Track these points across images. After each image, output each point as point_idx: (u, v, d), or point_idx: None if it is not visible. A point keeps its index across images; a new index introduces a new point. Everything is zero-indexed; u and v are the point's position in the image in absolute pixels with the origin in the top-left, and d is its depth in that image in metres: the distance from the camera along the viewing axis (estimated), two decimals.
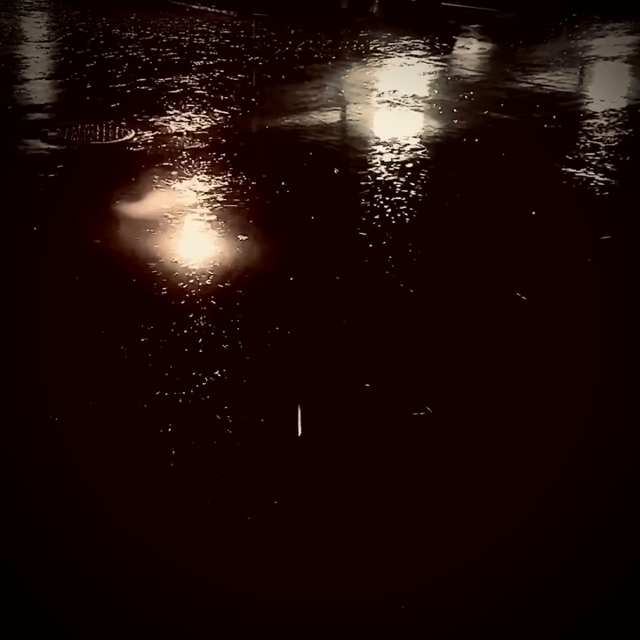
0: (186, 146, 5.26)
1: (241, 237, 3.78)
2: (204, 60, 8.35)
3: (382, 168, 4.77)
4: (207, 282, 3.33)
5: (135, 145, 5.27)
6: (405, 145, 5.23)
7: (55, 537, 2.01)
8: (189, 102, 6.47)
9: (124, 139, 5.41)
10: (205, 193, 4.39)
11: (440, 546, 1.98)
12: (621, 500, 2.14)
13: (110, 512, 2.09)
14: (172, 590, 1.85)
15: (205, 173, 4.71)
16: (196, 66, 8.06)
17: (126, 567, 1.92)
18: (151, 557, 1.94)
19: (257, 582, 1.87)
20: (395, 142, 5.30)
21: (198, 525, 2.05)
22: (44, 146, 5.22)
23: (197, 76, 7.53)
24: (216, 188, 4.46)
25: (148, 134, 5.51)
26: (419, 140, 5.38)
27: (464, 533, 2.02)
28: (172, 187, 4.49)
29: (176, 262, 3.53)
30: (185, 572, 1.90)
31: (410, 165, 4.81)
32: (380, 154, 5.05)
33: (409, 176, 4.62)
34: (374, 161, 4.91)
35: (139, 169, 4.78)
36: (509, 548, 1.98)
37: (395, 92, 6.82)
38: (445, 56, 8.74)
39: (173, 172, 4.72)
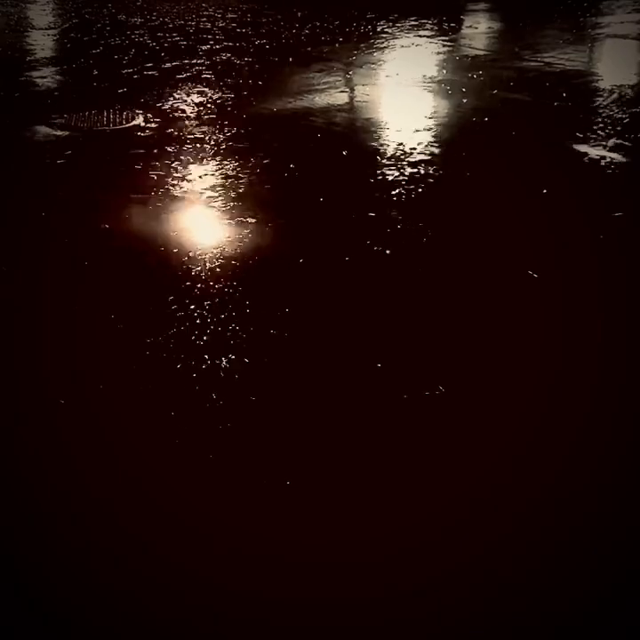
0: (193, 130, 5.25)
1: (250, 220, 3.77)
2: (210, 45, 8.31)
3: (391, 149, 4.74)
4: (216, 264, 3.33)
5: (143, 130, 5.26)
6: (414, 125, 5.20)
7: (48, 530, 2.02)
8: (197, 86, 6.45)
9: (132, 124, 5.40)
10: (214, 176, 4.38)
11: (444, 540, 1.98)
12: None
13: (109, 507, 2.09)
14: (171, 590, 1.85)
15: (213, 157, 4.70)
16: (202, 50, 8.02)
17: (126, 566, 1.92)
18: (151, 556, 1.95)
19: (255, 578, 1.87)
20: (403, 123, 5.26)
21: (197, 519, 2.05)
22: (52, 132, 5.21)
23: (204, 61, 7.49)
24: (224, 172, 4.45)
25: (156, 119, 5.50)
26: (427, 120, 5.34)
27: (471, 525, 2.01)
28: (181, 171, 4.48)
29: (185, 246, 3.52)
30: (184, 570, 1.90)
31: (419, 146, 4.78)
32: (389, 135, 5.02)
33: (418, 156, 4.59)
34: (383, 142, 4.88)
35: (147, 153, 4.77)
36: (513, 543, 1.97)
37: (403, 72, 6.77)
38: (453, 36, 8.66)
39: (181, 156, 4.71)
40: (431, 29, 9.04)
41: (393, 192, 4.06)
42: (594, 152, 4.58)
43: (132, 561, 1.88)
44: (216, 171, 4.47)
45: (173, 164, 4.58)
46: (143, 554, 1.90)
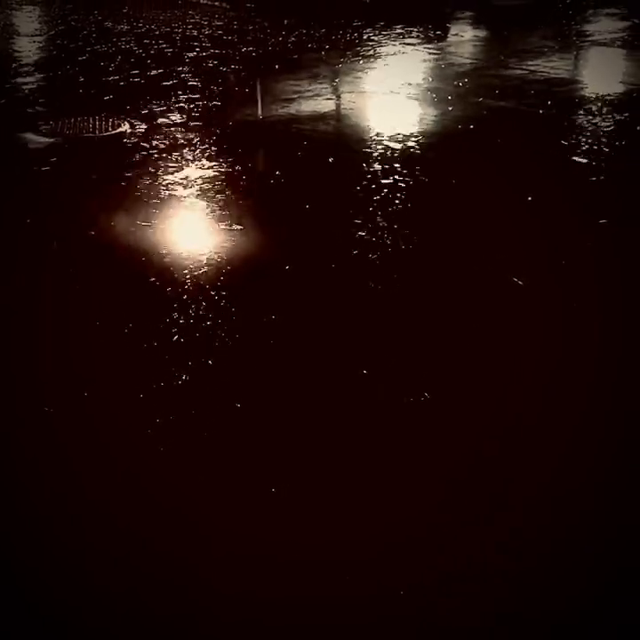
0: (179, 137, 5.25)
1: (236, 227, 3.77)
2: (196, 52, 8.32)
3: (377, 156, 4.76)
4: (202, 271, 3.33)
5: (129, 137, 5.26)
6: (400, 133, 5.22)
7: (47, 531, 2.01)
8: (183, 94, 6.45)
9: (118, 131, 5.40)
10: (200, 183, 4.38)
11: (433, 541, 1.98)
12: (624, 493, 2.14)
13: (106, 507, 2.09)
14: (173, 586, 1.84)
15: (199, 164, 4.70)
16: (189, 57, 8.03)
17: (128, 564, 1.91)
18: (152, 555, 1.94)
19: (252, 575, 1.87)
20: (389, 131, 5.29)
21: (193, 518, 2.04)
22: (38, 139, 5.20)
23: (190, 68, 7.50)
24: (210, 179, 4.45)
25: (142, 126, 5.50)
26: (413, 128, 5.36)
27: (468, 523, 2.02)
28: (167, 178, 4.48)
29: (171, 253, 3.52)
30: (186, 569, 1.90)
31: (404, 153, 4.80)
32: (375, 142, 5.04)
33: (404, 164, 4.61)
34: (369, 150, 4.90)
35: (133, 161, 4.77)
36: (505, 542, 1.97)
37: (389, 80, 6.79)
38: (439, 44, 8.70)
39: (168, 164, 4.71)
40: (417, 37, 9.08)
41: (379, 199, 4.07)
42: (578, 159, 4.61)
43: (131, 559, 1.88)
44: (202, 178, 4.47)
45: (159, 172, 4.57)
46: (142, 550, 1.90)
